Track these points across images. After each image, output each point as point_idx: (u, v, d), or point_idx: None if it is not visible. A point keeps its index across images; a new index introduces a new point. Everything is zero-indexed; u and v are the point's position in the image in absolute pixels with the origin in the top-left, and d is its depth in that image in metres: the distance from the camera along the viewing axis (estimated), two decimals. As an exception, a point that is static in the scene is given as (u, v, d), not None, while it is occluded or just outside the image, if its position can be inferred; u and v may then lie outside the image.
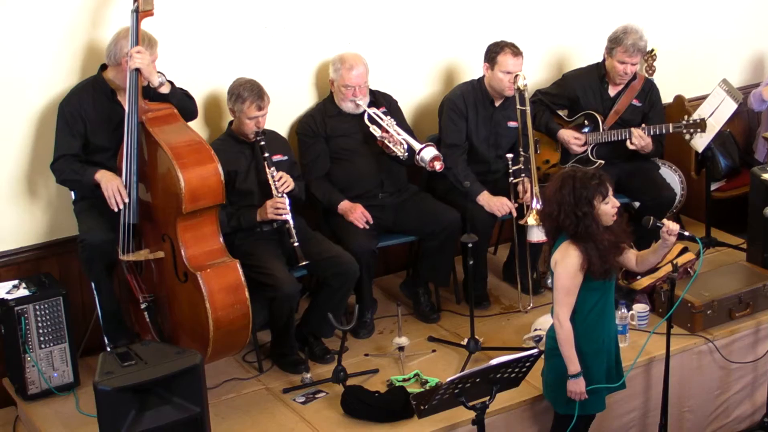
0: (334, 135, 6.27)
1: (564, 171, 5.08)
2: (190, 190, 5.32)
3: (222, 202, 5.50)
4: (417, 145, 6.02)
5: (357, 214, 6.15)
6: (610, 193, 4.94)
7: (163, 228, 5.50)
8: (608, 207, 4.94)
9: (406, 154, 6.08)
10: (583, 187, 4.90)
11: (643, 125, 6.60)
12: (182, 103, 5.64)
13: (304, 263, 5.78)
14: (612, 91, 6.73)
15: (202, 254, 5.44)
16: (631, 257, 5.20)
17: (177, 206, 5.34)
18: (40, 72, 5.74)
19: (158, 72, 5.52)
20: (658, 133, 6.58)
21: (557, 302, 5.00)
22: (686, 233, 5.18)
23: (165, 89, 5.53)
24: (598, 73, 6.75)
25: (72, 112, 5.62)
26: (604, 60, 6.71)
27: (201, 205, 5.39)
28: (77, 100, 5.63)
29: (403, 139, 6.08)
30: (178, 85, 5.69)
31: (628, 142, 6.56)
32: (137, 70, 5.38)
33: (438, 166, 5.97)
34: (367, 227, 6.15)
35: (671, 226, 5.07)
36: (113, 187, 5.48)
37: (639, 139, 6.52)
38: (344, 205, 6.18)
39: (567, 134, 6.65)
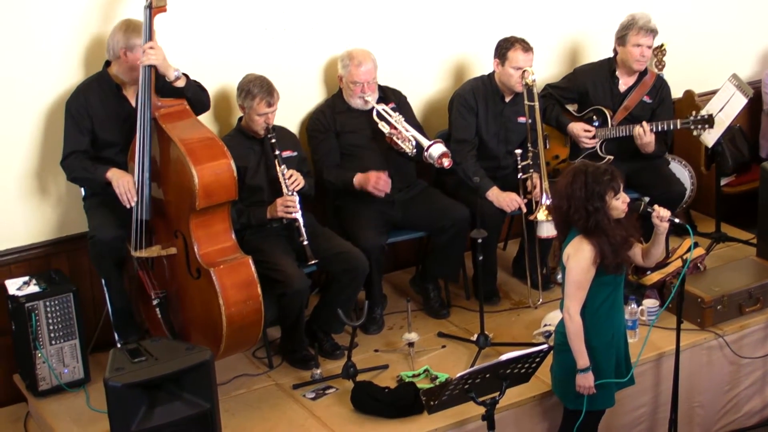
0: (343, 131, 6.27)
1: (575, 165, 5.06)
2: (203, 186, 5.32)
3: (235, 198, 5.51)
4: (425, 142, 6.03)
5: (373, 182, 6.10)
6: (621, 187, 4.94)
7: (176, 224, 5.50)
8: (619, 202, 4.93)
9: (415, 150, 6.08)
10: (596, 182, 4.89)
11: (651, 122, 6.56)
12: (196, 95, 5.62)
13: (313, 262, 5.79)
14: (622, 87, 6.71)
15: (215, 251, 5.45)
16: (637, 252, 5.19)
17: (190, 202, 5.34)
18: (50, 68, 5.74)
19: (176, 70, 5.51)
20: (665, 129, 6.56)
21: (568, 296, 4.99)
22: (677, 220, 5.13)
23: (180, 83, 5.51)
24: (608, 68, 6.73)
25: (78, 109, 5.62)
26: (615, 55, 6.69)
27: (214, 201, 5.40)
28: (83, 97, 5.64)
29: (412, 135, 6.08)
30: (188, 80, 5.69)
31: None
32: (151, 66, 5.37)
33: (446, 163, 5.97)
34: (387, 191, 6.13)
35: (662, 212, 5.05)
36: (124, 184, 5.49)
37: (639, 137, 6.47)
38: (358, 179, 6.14)
39: (577, 128, 6.64)
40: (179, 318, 5.66)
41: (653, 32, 6.56)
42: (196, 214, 5.39)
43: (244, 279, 5.43)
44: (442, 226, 6.23)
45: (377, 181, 6.11)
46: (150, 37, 5.39)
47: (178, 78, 5.50)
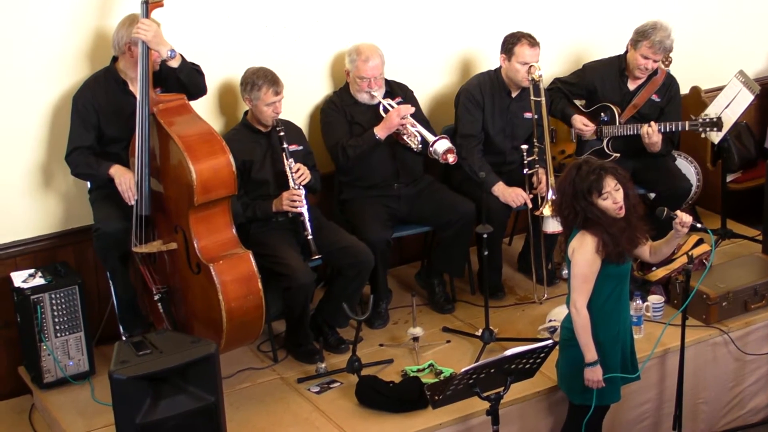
0: (351, 122, 6.26)
1: (573, 162, 5.08)
2: (201, 182, 5.31)
3: (234, 193, 5.49)
4: (431, 138, 6.03)
5: (394, 112, 6.10)
6: (608, 188, 4.88)
7: (176, 219, 5.50)
8: (608, 203, 4.91)
9: (420, 146, 6.08)
10: (581, 181, 4.91)
11: (658, 122, 6.52)
12: (190, 78, 5.57)
13: (317, 257, 5.79)
14: (631, 85, 6.67)
15: (214, 245, 5.43)
16: (645, 248, 5.20)
17: (189, 198, 5.33)
18: (52, 63, 5.74)
19: (170, 49, 5.44)
20: (674, 129, 6.54)
21: (574, 290, 4.99)
22: (699, 225, 5.17)
23: (174, 63, 5.46)
24: (618, 66, 6.68)
25: (85, 104, 5.62)
26: (626, 52, 6.66)
27: (213, 196, 5.39)
28: (90, 92, 5.64)
29: (417, 131, 6.08)
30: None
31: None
32: (146, 47, 5.33)
33: (451, 158, 5.98)
34: (410, 114, 6.12)
35: (684, 218, 5.06)
36: (126, 182, 5.50)
37: (646, 136, 6.45)
38: (378, 128, 6.13)
39: (577, 120, 6.62)
40: (181, 312, 5.66)
41: (666, 50, 6.51)
42: (195, 210, 5.38)
43: (244, 274, 5.41)
44: (447, 220, 6.23)
45: (398, 110, 6.10)
46: None
47: (172, 57, 5.44)
